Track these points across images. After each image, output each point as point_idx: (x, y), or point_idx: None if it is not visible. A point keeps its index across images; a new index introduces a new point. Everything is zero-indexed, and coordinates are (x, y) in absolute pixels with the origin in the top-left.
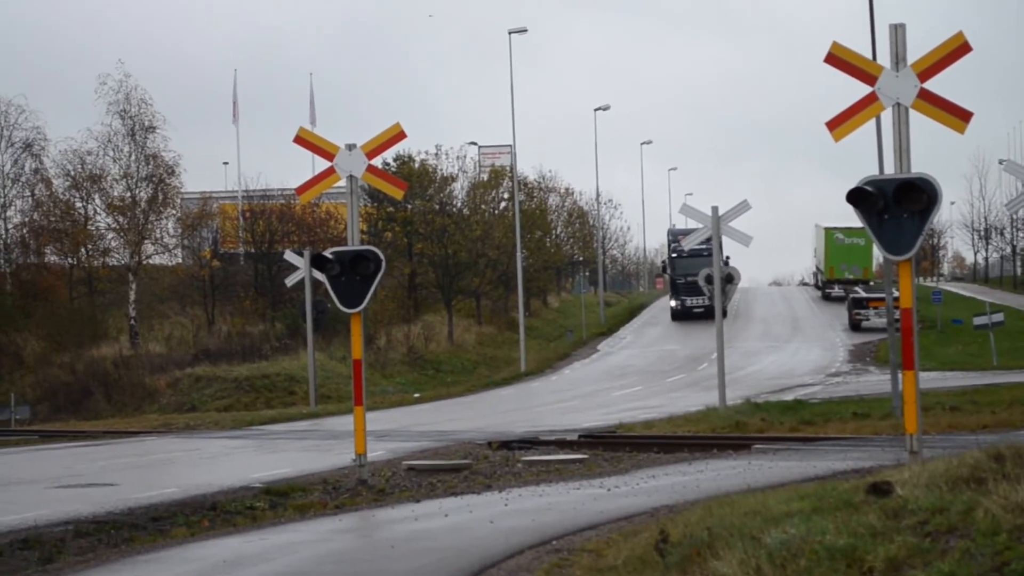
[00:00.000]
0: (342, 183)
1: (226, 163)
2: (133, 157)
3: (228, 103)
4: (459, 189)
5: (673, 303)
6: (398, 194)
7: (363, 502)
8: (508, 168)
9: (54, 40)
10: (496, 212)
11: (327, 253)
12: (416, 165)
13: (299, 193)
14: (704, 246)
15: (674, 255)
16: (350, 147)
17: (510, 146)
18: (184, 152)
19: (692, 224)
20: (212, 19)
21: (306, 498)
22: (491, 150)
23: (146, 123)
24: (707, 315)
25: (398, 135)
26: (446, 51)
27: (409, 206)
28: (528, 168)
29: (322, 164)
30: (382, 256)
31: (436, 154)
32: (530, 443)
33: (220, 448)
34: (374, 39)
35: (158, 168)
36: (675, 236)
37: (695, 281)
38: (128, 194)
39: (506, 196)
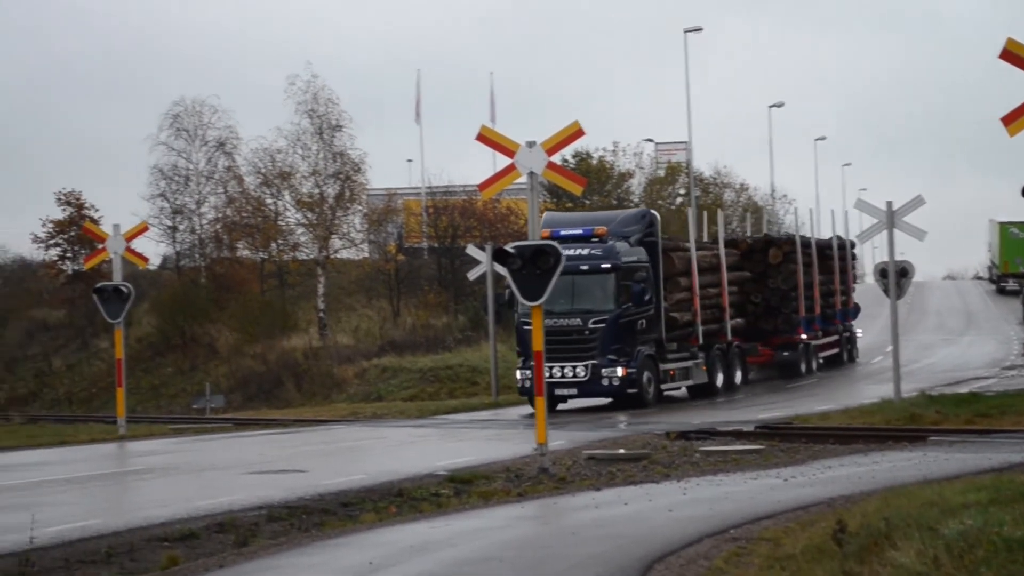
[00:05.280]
0: (523, 179)
1: (410, 160)
2: (321, 155)
3: (411, 102)
4: (636, 185)
5: (520, 375)
6: (577, 190)
7: (545, 490)
8: (684, 164)
9: (245, 43)
10: (672, 207)
11: (508, 247)
12: (594, 161)
13: (481, 189)
14: (579, 250)
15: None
16: (530, 144)
17: (686, 142)
18: (369, 150)
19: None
20: (396, 21)
21: (489, 485)
22: (667, 146)
23: (333, 122)
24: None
25: (576, 132)
26: (623, 49)
27: (587, 201)
28: (703, 164)
29: (503, 161)
30: (561, 250)
31: (613, 151)
32: (707, 433)
33: (405, 436)
34: (552, 39)
35: (345, 165)
36: (551, 231)
37: (562, 326)
38: (316, 191)
39: (682, 191)
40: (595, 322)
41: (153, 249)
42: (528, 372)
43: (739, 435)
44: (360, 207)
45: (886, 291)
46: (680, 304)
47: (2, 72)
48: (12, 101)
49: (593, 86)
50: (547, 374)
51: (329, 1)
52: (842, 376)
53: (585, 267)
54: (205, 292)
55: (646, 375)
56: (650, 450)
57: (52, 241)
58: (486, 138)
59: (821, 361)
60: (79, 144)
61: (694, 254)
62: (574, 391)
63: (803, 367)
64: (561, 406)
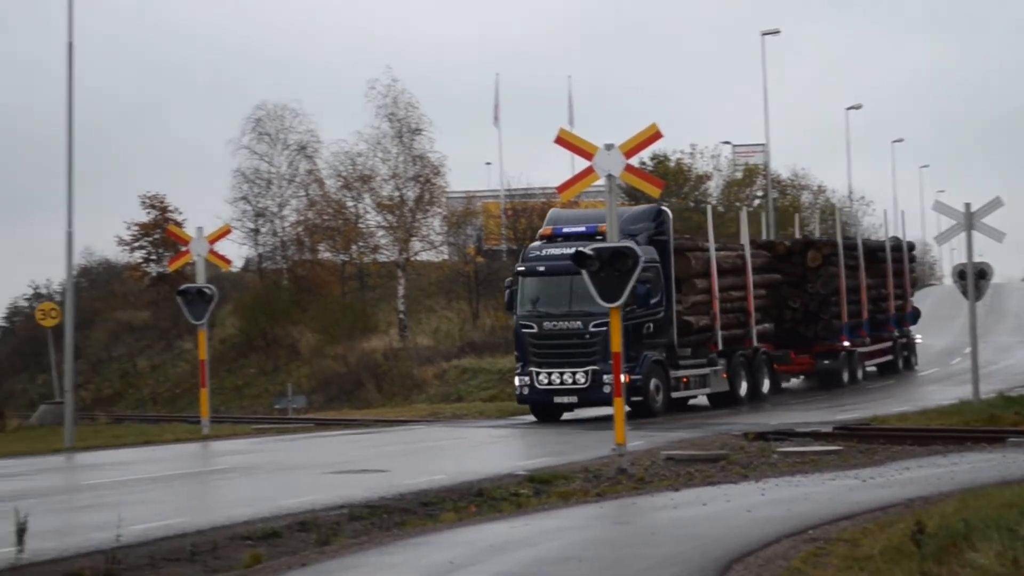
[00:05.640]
0: (601, 182)
1: (489, 163)
2: (401, 158)
3: (490, 106)
4: (713, 187)
5: (519, 381)
6: (655, 192)
7: (623, 490)
8: (761, 166)
9: (325, 47)
10: (750, 209)
11: (587, 250)
12: (672, 164)
13: (560, 192)
14: (574, 246)
15: (521, 268)
16: (608, 147)
17: (763, 145)
18: (448, 153)
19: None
20: (475, 25)
21: (568, 485)
22: (745, 149)
23: (413, 126)
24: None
25: (654, 135)
26: (701, 52)
27: (665, 204)
28: (781, 166)
29: (581, 164)
30: (640, 253)
31: (691, 153)
32: (785, 434)
33: (485, 437)
34: (630, 43)
35: (424, 168)
36: (553, 228)
37: (561, 329)
38: (396, 193)
39: (760, 193)
40: (596, 325)
41: (236, 251)
42: (526, 379)
43: (817, 436)
44: (440, 210)
45: (964, 293)
46: (696, 307)
47: (89, 76)
48: (97, 104)
49: (671, 89)
50: (545, 381)
51: (409, 6)
52: (888, 384)
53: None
54: (287, 294)
55: (653, 382)
56: (728, 451)
57: (137, 244)
58: (564, 141)
59: (873, 369)
60: (163, 147)
61: (713, 254)
62: (574, 399)
63: (845, 376)
64: (567, 415)
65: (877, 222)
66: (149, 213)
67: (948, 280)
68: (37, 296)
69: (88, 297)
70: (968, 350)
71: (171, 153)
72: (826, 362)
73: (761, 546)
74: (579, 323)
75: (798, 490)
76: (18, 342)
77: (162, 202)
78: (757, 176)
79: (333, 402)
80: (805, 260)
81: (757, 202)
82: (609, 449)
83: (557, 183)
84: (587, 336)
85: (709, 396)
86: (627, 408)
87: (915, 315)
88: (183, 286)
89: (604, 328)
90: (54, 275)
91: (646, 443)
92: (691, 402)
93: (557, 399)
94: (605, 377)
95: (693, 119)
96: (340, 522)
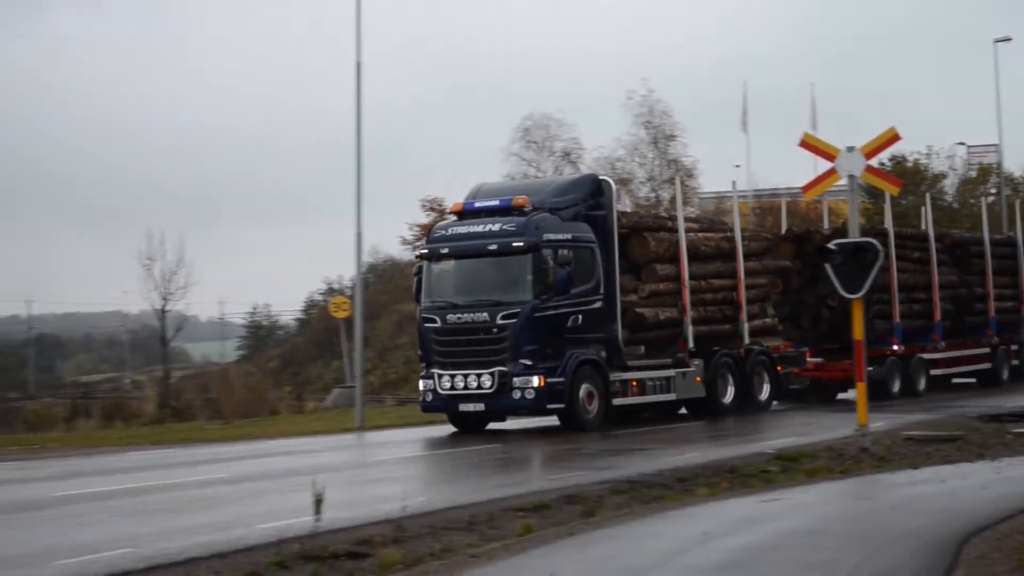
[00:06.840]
0: (843, 182)
1: (738, 166)
2: (656, 162)
3: (739, 112)
4: (948, 185)
5: (422, 385)
6: (894, 191)
7: (865, 468)
8: (994, 165)
9: (587, 62)
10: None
11: (831, 245)
12: (909, 164)
13: (804, 191)
14: (489, 225)
15: (424, 251)
16: (850, 149)
17: (996, 145)
18: (700, 156)
19: None
20: (726, 38)
21: (813, 463)
22: (978, 149)
23: (667, 132)
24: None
25: (893, 137)
26: (936, 58)
27: (903, 201)
28: (1014, 164)
29: (824, 165)
30: (879, 247)
31: (927, 154)
32: (1020, 417)
33: (730, 420)
34: (868, 52)
35: (678, 171)
36: (464, 203)
37: (466, 322)
38: (652, 195)
39: (993, 191)
40: (504, 317)
41: None
42: (430, 382)
43: None
44: (693, 209)
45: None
46: (658, 297)
47: (376, 89)
48: (383, 114)
49: (909, 94)
50: (448, 385)
51: (663, 26)
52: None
53: (493, 246)
54: None
55: (584, 388)
56: (964, 432)
57: (418, 242)
58: (808, 144)
59: (970, 379)
60: (441, 153)
61: (683, 235)
62: (480, 406)
63: (896, 386)
64: (496, 425)
65: None
66: (428, 215)
67: None
68: (330, 291)
69: (375, 291)
70: None
71: (448, 159)
72: (869, 369)
73: (996, 521)
74: (485, 314)
75: None
76: (314, 332)
77: (440, 205)
78: (990, 175)
79: None
80: None
81: (991, 199)
82: (852, 429)
83: (801, 183)
84: (495, 330)
85: (687, 404)
86: (560, 419)
87: None
88: None
89: (514, 320)
90: (345, 272)
91: (886, 424)
92: (681, 411)
93: (463, 407)
94: (516, 380)
95: (929, 121)
96: (603, 496)
